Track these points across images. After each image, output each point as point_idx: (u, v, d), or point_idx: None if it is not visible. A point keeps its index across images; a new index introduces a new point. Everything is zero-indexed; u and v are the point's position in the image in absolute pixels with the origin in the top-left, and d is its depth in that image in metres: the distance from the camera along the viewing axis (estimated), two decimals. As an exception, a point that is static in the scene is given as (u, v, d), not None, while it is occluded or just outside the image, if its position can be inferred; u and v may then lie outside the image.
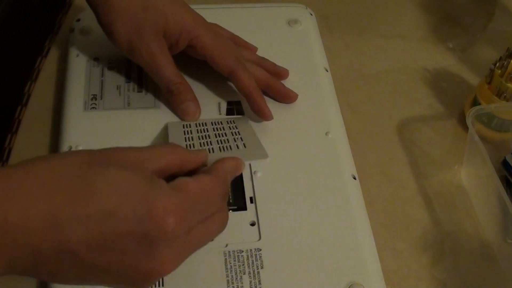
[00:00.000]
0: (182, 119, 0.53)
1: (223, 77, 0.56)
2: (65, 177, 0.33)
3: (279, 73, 0.57)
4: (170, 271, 0.35)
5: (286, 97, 0.55)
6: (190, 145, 0.49)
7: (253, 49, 0.59)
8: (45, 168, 0.33)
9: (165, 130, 0.52)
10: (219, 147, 0.48)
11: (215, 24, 0.57)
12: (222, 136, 0.49)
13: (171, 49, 0.53)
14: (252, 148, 0.48)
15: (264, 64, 0.57)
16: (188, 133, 0.50)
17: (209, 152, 0.46)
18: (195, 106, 0.53)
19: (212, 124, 0.51)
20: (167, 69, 0.52)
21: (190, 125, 0.52)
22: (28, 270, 0.32)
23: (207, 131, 0.50)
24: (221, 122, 0.52)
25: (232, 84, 0.56)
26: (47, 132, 0.55)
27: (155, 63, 0.52)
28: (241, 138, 0.49)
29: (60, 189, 0.32)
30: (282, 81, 0.57)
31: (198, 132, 0.50)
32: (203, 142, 0.49)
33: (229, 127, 0.51)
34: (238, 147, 0.48)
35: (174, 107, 0.53)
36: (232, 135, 0.50)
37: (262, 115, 0.53)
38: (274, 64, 0.57)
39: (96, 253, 0.32)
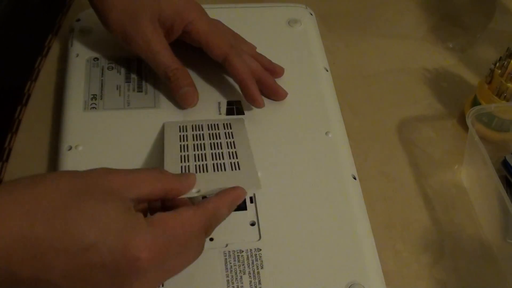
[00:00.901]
0: (181, 105, 0.53)
1: (223, 77, 0.56)
2: (47, 207, 0.34)
3: (274, 70, 0.57)
4: None
5: (275, 93, 0.55)
6: (184, 145, 0.48)
7: (252, 47, 0.59)
8: (28, 195, 0.34)
9: (163, 129, 0.52)
10: (213, 164, 0.46)
11: (217, 21, 0.57)
12: (217, 147, 0.48)
13: (167, 35, 0.53)
14: (246, 173, 0.46)
15: (260, 59, 0.57)
16: (183, 135, 0.50)
17: (203, 170, 0.45)
18: (193, 92, 0.53)
19: (209, 129, 0.51)
20: (163, 55, 0.52)
21: (186, 127, 0.51)
22: None
23: (203, 137, 0.50)
24: (217, 126, 0.51)
25: (231, 85, 0.56)
26: (47, 132, 0.55)
27: (151, 49, 0.52)
28: (235, 153, 0.48)
29: (42, 219, 0.33)
30: (280, 80, 0.57)
31: (193, 137, 0.50)
32: (197, 144, 0.48)
33: (225, 133, 0.50)
34: (232, 168, 0.46)
35: (173, 94, 0.53)
36: (228, 147, 0.49)
37: (254, 102, 0.53)
38: (271, 61, 0.57)
39: (71, 283, 0.34)
